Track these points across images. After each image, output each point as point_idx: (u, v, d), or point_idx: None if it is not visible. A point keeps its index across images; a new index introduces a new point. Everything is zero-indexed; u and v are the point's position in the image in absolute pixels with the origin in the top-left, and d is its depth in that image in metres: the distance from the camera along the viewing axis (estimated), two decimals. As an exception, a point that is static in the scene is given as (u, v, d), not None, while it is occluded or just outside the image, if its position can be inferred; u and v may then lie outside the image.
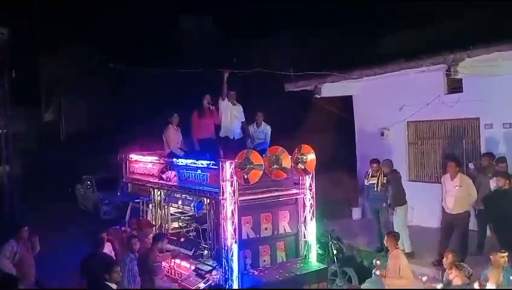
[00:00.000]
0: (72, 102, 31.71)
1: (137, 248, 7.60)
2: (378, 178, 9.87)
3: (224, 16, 21.14)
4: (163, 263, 8.23)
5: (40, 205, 17.18)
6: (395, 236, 7.44)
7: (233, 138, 9.20)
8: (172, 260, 8.44)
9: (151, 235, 8.45)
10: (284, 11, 17.64)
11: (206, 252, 8.19)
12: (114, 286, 6.09)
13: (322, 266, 8.15)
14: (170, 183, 8.84)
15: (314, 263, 8.21)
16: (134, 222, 9.68)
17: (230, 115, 9.19)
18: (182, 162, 8.60)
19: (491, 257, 6.47)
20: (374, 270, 7.46)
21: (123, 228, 10.24)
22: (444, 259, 6.75)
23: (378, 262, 7.37)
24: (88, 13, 26.78)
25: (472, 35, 9.46)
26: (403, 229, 9.42)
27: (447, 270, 6.69)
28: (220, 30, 21.69)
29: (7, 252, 7.65)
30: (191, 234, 9.11)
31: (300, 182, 8.31)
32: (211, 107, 9.25)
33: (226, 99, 9.13)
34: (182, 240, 8.98)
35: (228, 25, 20.37)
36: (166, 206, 9.39)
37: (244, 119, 9.41)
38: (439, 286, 6.63)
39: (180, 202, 8.73)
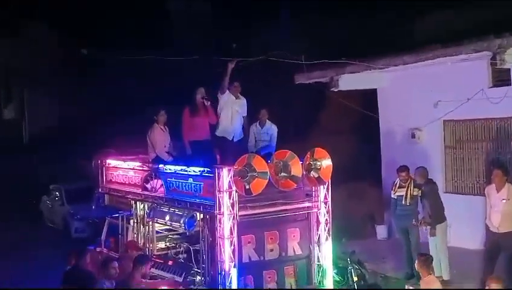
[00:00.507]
0: (37, 96, 31.71)
1: (116, 273, 7.61)
2: (408, 189, 9.86)
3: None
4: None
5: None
6: (428, 259, 7.42)
7: (233, 139, 9.18)
8: (158, 287, 8.44)
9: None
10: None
11: (198, 278, 8.20)
12: None
13: (340, 296, 8.16)
14: (155, 194, 8.87)
15: (330, 291, 8.22)
16: (112, 241, 9.71)
17: (232, 111, 9.20)
18: (170, 169, 8.62)
19: None
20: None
21: (98, 249, 10.26)
22: (487, 287, 6.74)
23: (410, 287, 7.39)
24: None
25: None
26: (442, 251, 9.44)
27: None
28: (216, 9, 21.72)
29: None
30: (180, 256, 9.10)
31: (314, 193, 8.33)
32: (206, 103, 9.26)
33: (228, 92, 9.15)
34: (170, 263, 8.98)
35: (226, 3, 20.40)
36: (150, 223, 9.40)
37: (245, 114, 9.45)
38: None
39: (167, 218, 8.75)
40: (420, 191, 9.80)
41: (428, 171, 9.99)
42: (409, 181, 9.90)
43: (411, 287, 6.57)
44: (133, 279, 7.52)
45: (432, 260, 7.64)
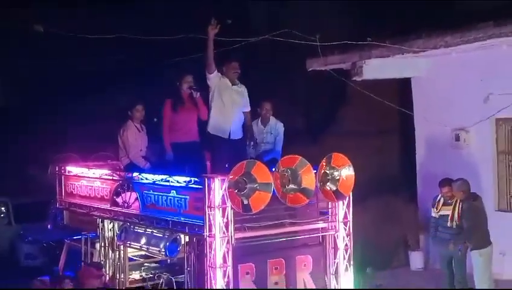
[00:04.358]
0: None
1: None
2: (454, 208, 9.90)
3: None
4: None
5: None
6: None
7: (229, 137, 9.15)
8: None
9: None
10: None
11: (183, 319, 8.23)
12: None
13: None
14: (129, 211, 8.88)
15: (351, 336, 8.24)
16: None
17: (230, 101, 9.02)
18: (147, 178, 8.62)
19: None
20: None
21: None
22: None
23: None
24: None
25: None
26: (487, 283, 9.46)
27: None
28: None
29: None
30: (160, 289, 9.14)
31: (330, 211, 8.35)
32: (195, 95, 9.23)
33: (218, 73, 8.98)
34: (146, 299, 9.02)
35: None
36: (122, 247, 9.42)
37: (248, 109, 9.32)
38: None
39: (143, 241, 8.73)
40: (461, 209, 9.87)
41: (469, 184, 10.02)
42: (456, 198, 9.93)
43: None
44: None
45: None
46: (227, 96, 9.00)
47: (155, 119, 9.61)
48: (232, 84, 9.08)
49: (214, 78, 8.97)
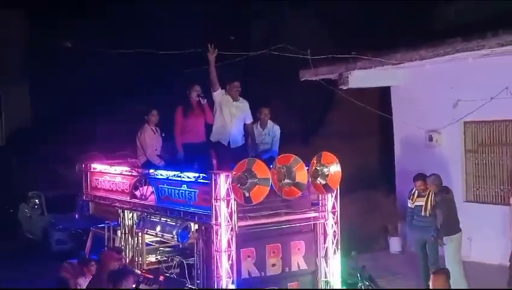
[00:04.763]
0: (13, 95, 31.71)
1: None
2: (427, 199, 9.89)
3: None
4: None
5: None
6: (446, 275, 7.42)
7: (229, 144, 9.11)
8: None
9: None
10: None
11: (193, 295, 8.22)
12: None
13: (349, 316, 8.16)
14: (146, 202, 8.87)
15: (338, 311, 8.21)
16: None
17: (229, 114, 9.01)
18: (162, 174, 8.62)
19: None
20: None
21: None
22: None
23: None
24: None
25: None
26: (457, 266, 9.44)
27: None
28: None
29: None
30: (172, 271, 9.10)
31: (321, 202, 8.31)
32: (203, 101, 9.23)
33: (221, 90, 9.02)
34: (161, 279, 8.96)
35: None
36: (140, 234, 9.40)
37: (250, 121, 9.26)
38: None
39: (158, 228, 8.73)
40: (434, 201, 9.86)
41: (441, 179, 10.02)
42: (429, 190, 9.92)
43: None
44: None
45: (449, 276, 7.64)
46: (228, 111, 9.00)
47: (163, 134, 9.60)
48: (234, 100, 9.06)
49: (218, 95, 9.00)
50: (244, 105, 9.18)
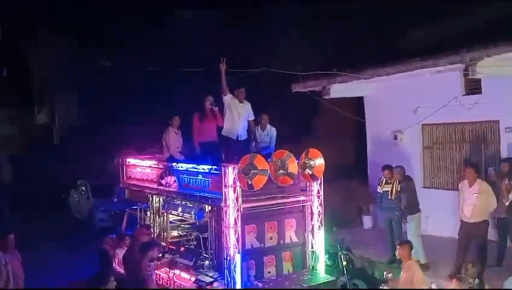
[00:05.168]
0: (65, 103, 31.77)
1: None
2: (393, 185, 9.86)
3: (226, 9, 21.13)
4: (161, 274, 8.24)
5: (32, 214, 17.24)
6: (409, 246, 7.43)
7: (238, 138, 9.04)
8: (170, 270, 8.45)
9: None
10: (292, 11, 17.69)
11: (207, 262, 8.22)
12: None
13: (331, 278, 8.14)
14: (169, 189, 8.86)
15: (322, 274, 8.20)
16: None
17: (236, 114, 8.97)
18: (182, 166, 8.62)
19: None
20: (382, 286, 7.48)
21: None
22: (464, 270, 6.73)
23: (389, 275, 7.36)
24: (78, 9, 26.92)
25: (492, 33, 9.40)
26: (417, 239, 9.41)
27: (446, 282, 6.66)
28: (221, 25, 21.66)
29: None
30: (191, 243, 9.11)
31: (308, 188, 8.32)
32: (214, 109, 9.23)
33: (230, 95, 8.97)
34: (182, 249, 8.98)
35: (231, 20, 20.33)
36: (165, 214, 9.42)
37: (253, 118, 9.20)
38: None
39: (179, 209, 8.74)
40: (399, 187, 9.82)
41: (405, 169, 10.00)
42: (393, 178, 9.90)
43: (434, 287, 6.42)
44: (141, 264, 7.44)
45: (412, 246, 7.64)
46: (236, 111, 8.95)
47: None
48: (240, 102, 9.02)
49: (227, 99, 8.94)
50: (247, 106, 9.15)
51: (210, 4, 22.27)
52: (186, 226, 9.52)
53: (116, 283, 6.18)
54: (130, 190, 10.67)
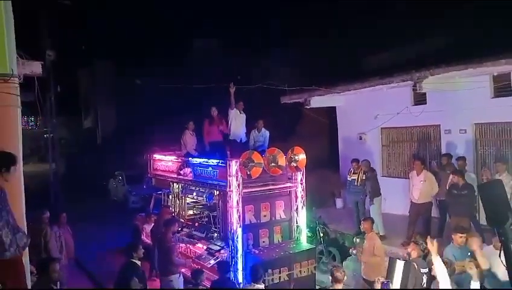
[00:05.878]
0: (106, 112, 31.82)
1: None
2: (358, 175, 9.85)
3: (230, 39, 21.37)
4: (181, 244, 8.24)
5: (80, 197, 17.25)
6: (371, 221, 7.43)
7: (241, 140, 9.21)
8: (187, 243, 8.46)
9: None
10: (280, 41, 17.80)
11: (216, 234, 8.22)
12: (138, 262, 6.07)
13: (311, 246, 8.14)
14: (186, 178, 8.86)
15: (304, 243, 8.21)
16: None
17: (240, 123, 9.14)
18: (196, 160, 8.62)
19: (452, 236, 6.31)
20: (351, 250, 7.49)
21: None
22: (413, 240, 6.72)
23: (357, 240, 7.38)
24: (116, 38, 27.00)
25: (434, 57, 9.48)
26: (378, 216, 9.42)
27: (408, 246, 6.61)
28: (227, 51, 21.73)
29: (52, 236, 7.47)
30: (203, 219, 9.12)
31: (293, 177, 8.31)
32: (219, 116, 9.33)
33: (235, 109, 9.09)
34: (196, 225, 9.00)
35: (234, 47, 20.45)
36: (183, 197, 9.41)
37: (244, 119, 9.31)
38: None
39: (194, 194, 8.76)
40: (365, 176, 9.82)
41: (369, 162, 10.00)
42: (359, 169, 9.90)
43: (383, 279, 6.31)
44: (166, 235, 7.43)
45: (373, 221, 7.65)
46: (239, 121, 9.09)
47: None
48: (240, 113, 9.15)
49: (232, 112, 9.08)
50: (244, 116, 9.29)
51: (215, 34, 22.42)
52: (200, 206, 9.51)
53: (144, 251, 6.17)
54: (156, 179, 10.64)
